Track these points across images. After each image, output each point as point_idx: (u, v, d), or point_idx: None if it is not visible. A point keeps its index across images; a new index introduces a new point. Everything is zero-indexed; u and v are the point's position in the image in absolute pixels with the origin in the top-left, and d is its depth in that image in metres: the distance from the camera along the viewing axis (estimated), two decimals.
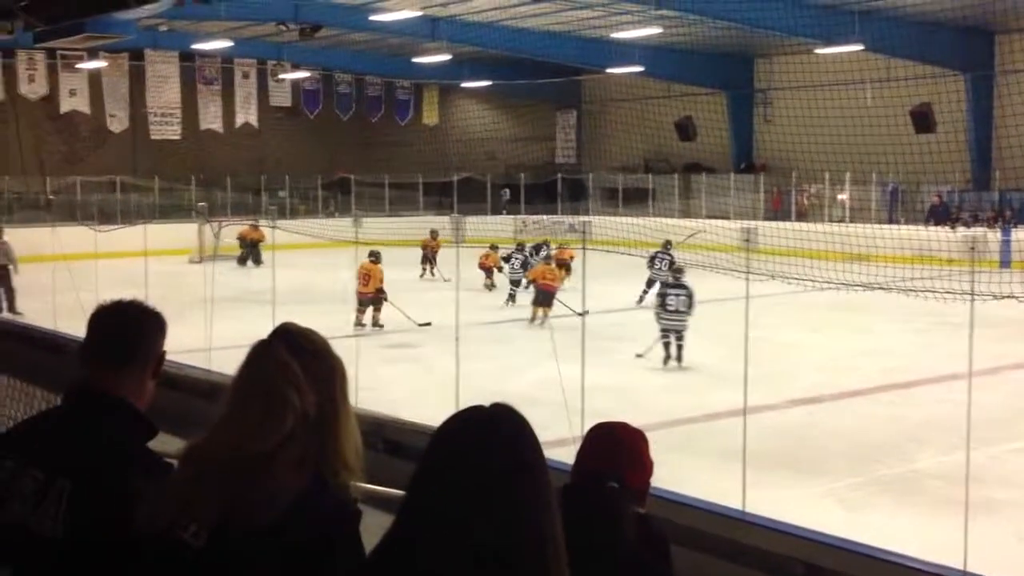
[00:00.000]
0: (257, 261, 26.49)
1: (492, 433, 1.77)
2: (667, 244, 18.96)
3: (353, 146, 39.97)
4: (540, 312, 17.08)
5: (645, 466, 2.74)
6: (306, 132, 39.13)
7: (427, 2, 27.57)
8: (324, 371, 2.09)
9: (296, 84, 37.14)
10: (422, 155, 39.97)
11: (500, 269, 21.66)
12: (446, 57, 33.50)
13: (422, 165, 38.55)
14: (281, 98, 36.90)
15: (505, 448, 1.76)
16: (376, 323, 16.55)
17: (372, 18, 28.14)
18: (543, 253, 21.55)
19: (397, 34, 31.80)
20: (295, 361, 2.04)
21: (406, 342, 15.48)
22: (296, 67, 35.36)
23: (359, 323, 16.17)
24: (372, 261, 16.38)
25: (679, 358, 13.73)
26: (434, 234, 24.89)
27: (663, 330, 13.85)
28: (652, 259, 19.09)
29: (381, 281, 16.33)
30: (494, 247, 22.24)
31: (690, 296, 14.01)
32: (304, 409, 2.00)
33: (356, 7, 28.36)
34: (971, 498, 5.98)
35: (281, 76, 35.39)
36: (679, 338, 13.80)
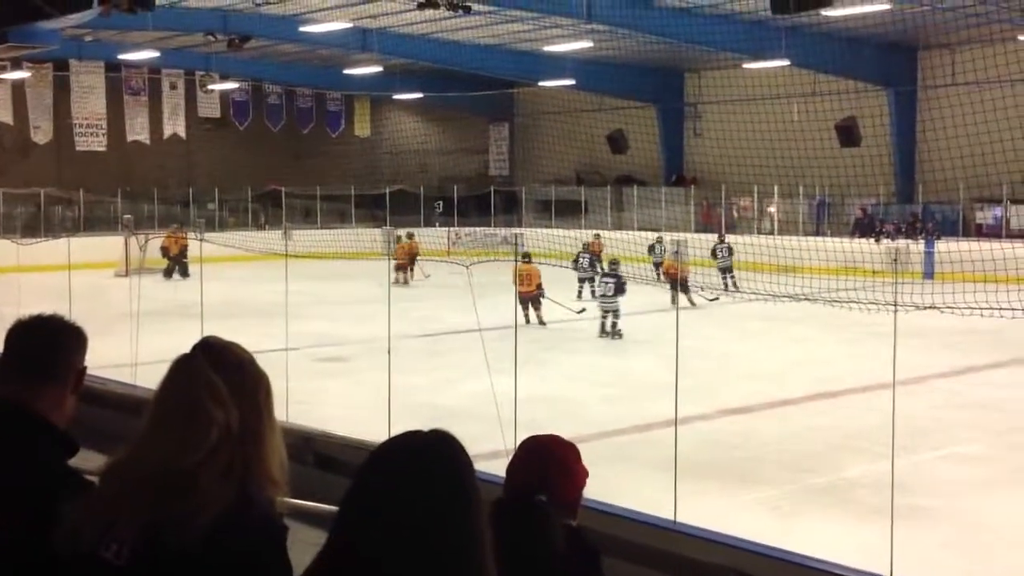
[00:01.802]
0: (184, 273, 26.08)
1: (429, 464, 1.73)
2: (586, 245, 19.27)
3: (284, 158, 39.60)
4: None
5: (575, 478, 2.73)
6: (236, 143, 38.68)
7: (357, 14, 27.47)
8: (248, 385, 2.04)
9: (225, 95, 36.73)
10: (354, 167, 39.76)
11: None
12: (377, 69, 33.40)
13: (354, 177, 38.33)
14: (210, 109, 36.47)
15: (442, 481, 1.72)
16: (540, 320, 17.51)
17: (302, 29, 27.94)
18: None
19: (327, 45, 31.64)
20: (218, 375, 1.99)
21: (339, 355, 15.35)
22: (225, 78, 34.98)
23: (527, 321, 16.93)
24: (527, 262, 17.22)
25: (616, 333, 16.55)
26: (410, 235, 26.30)
27: (601, 310, 16.80)
28: (575, 260, 19.35)
29: (540, 278, 17.31)
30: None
31: (619, 283, 16.58)
32: (227, 423, 1.96)
33: (285, 18, 28.14)
34: (897, 506, 6.07)
35: (210, 87, 34.98)
36: (616, 315, 16.54)
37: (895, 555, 5.53)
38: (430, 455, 1.74)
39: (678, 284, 17.62)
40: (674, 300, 17.68)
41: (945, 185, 29.60)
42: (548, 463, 2.72)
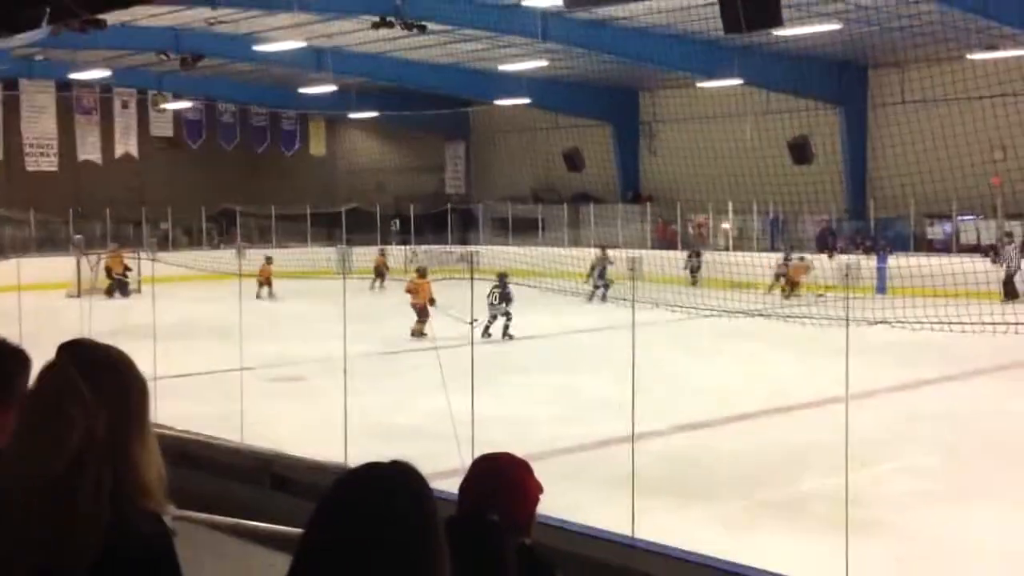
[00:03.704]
0: (124, 292, 25.85)
1: (389, 499, 1.69)
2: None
3: (238, 177, 39.35)
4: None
5: (527, 496, 2.72)
6: (189, 163, 38.38)
7: (312, 33, 27.40)
8: (118, 388, 1.96)
9: (178, 114, 36.46)
10: (309, 186, 39.59)
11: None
12: (332, 88, 33.32)
13: (310, 196, 38.15)
14: (162, 128, 36.18)
15: (402, 516, 1.67)
16: (418, 332, 18.39)
17: (255, 48, 27.83)
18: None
19: (282, 64, 31.51)
20: (84, 377, 1.91)
21: (295, 375, 15.23)
22: (178, 97, 34.70)
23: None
24: (421, 277, 18.80)
25: (506, 334, 18.38)
26: (383, 252, 28.74)
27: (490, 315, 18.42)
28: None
29: (429, 293, 18.39)
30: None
31: (503, 292, 18.18)
32: (90, 427, 1.88)
33: (239, 37, 28.02)
34: (852, 519, 6.12)
35: (162, 106, 34.68)
36: (506, 316, 18.32)
37: (849, 569, 5.57)
38: (390, 489, 1.70)
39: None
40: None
41: (896, 201, 30.05)
42: (500, 481, 2.71)
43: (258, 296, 25.19)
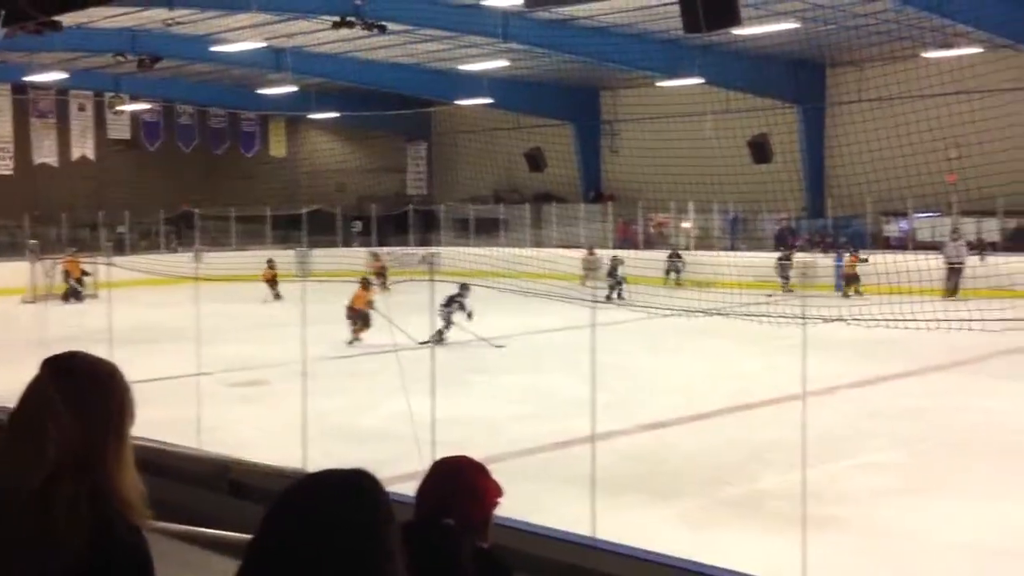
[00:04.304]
0: (79, 298, 25.58)
1: (343, 507, 1.67)
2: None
3: (197, 179, 39.00)
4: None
5: (484, 500, 2.71)
6: (147, 165, 37.99)
7: (271, 33, 27.22)
8: (96, 402, 1.96)
9: (135, 116, 36.11)
10: (270, 188, 39.32)
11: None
12: (292, 88, 33.13)
13: (270, 198, 37.88)
14: (120, 131, 35.81)
15: (357, 524, 1.66)
16: (353, 339, 18.16)
17: (213, 49, 27.60)
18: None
19: (241, 65, 31.31)
20: (62, 389, 1.92)
21: (255, 379, 15.12)
22: (135, 99, 34.39)
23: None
24: (364, 288, 18.49)
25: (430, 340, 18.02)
26: (376, 256, 28.13)
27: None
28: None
29: (362, 303, 18.23)
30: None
31: (460, 303, 17.93)
32: (67, 439, 1.88)
33: (197, 38, 27.79)
34: (810, 515, 6.16)
35: (119, 108, 34.34)
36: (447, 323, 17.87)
37: (808, 564, 5.60)
38: (343, 496, 1.69)
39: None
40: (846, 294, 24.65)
41: (853, 199, 30.34)
42: (456, 485, 2.70)
43: (266, 300, 25.05)
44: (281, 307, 23.61)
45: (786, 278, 26.84)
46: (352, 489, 1.71)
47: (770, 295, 23.08)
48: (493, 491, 2.81)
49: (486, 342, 17.12)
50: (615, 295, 25.82)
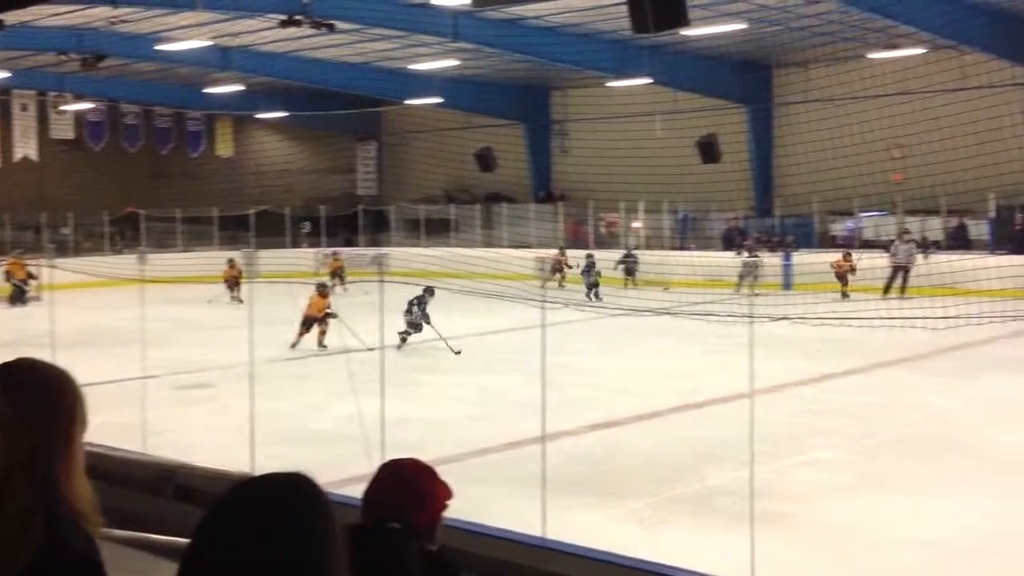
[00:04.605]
0: (23, 300, 25.13)
1: (279, 514, 1.62)
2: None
3: (143, 180, 38.50)
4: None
5: (431, 502, 2.69)
6: (91, 166, 37.43)
7: (217, 32, 26.94)
8: (48, 410, 1.93)
9: (79, 116, 35.54)
10: (217, 188, 38.90)
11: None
12: (240, 87, 32.80)
13: (217, 198, 37.47)
14: (63, 131, 35.24)
15: (294, 532, 1.61)
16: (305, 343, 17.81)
17: (158, 47, 27.26)
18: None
19: (187, 64, 30.93)
20: (9, 399, 1.88)
21: (202, 382, 14.94)
22: (79, 98, 33.83)
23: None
24: (321, 295, 18.02)
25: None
26: (336, 255, 27.60)
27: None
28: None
29: (315, 309, 17.92)
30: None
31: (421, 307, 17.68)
32: (17, 450, 1.84)
33: (141, 36, 27.43)
34: (759, 512, 6.20)
35: (63, 108, 33.78)
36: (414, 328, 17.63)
37: (757, 560, 5.64)
38: (280, 501, 1.64)
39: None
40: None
41: (801, 199, 30.69)
42: (403, 488, 2.67)
43: (224, 301, 24.76)
44: (228, 309, 23.38)
45: (755, 277, 26.93)
46: (289, 494, 1.67)
47: (742, 293, 23.29)
48: (442, 494, 2.78)
49: (446, 346, 17.00)
50: (592, 295, 25.77)
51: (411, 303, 17.59)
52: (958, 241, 27.80)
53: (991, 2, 24.00)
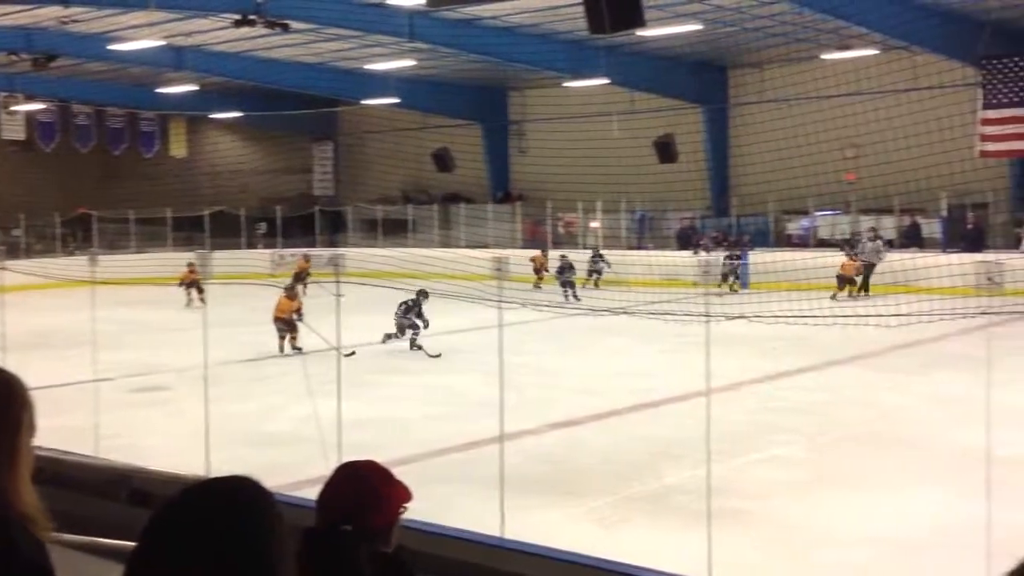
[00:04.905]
0: None
1: (225, 518, 1.61)
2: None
3: (95, 180, 38.03)
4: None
5: (386, 504, 2.66)
6: (43, 166, 36.90)
7: (170, 31, 26.66)
8: None
9: (31, 116, 35.02)
10: (171, 189, 38.47)
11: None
12: (193, 87, 32.48)
13: (171, 199, 37.05)
14: (14, 131, 34.69)
15: (241, 536, 1.59)
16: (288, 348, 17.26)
17: (110, 47, 26.93)
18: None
19: (139, 64, 30.59)
20: None
21: (158, 385, 14.78)
22: (30, 98, 33.31)
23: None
24: (289, 297, 17.44)
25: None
26: (307, 258, 27.24)
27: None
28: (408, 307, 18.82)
29: (285, 312, 17.32)
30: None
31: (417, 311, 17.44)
32: None
33: (93, 36, 27.09)
34: (716, 510, 6.24)
35: (13, 108, 33.26)
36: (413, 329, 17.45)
37: (715, 558, 5.67)
38: (225, 506, 1.63)
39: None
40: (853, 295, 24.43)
41: (757, 198, 30.95)
42: (357, 490, 2.65)
43: (188, 304, 24.35)
44: (184, 311, 23.16)
45: (736, 276, 26.89)
46: (235, 497, 1.65)
47: (720, 294, 23.36)
48: (398, 496, 2.76)
49: (423, 351, 16.81)
50: (570, 296, 25.56)
51: (406, 306, 17.36)
52: (911, 240, 28.15)
53: (942, 3, 24.33)
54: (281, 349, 17.20)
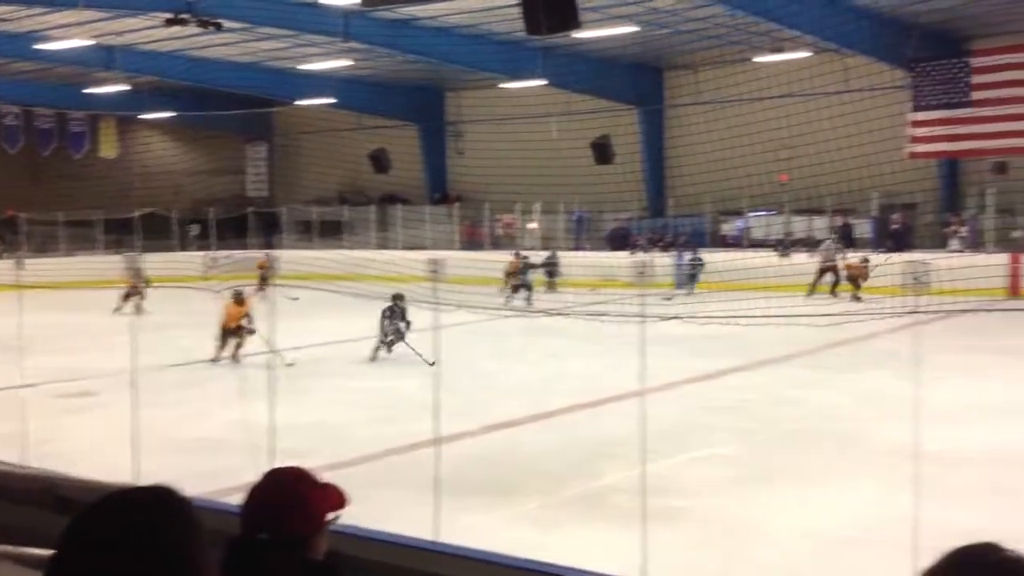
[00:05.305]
0: None
1: (141, 527, 1.59)
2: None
3: (23, 182, 37.12)
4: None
5: (311, 511, 2.60)
6: None
7: (99, 31, 26.18)
8: None
9: None
10: (101, 190, 37.73)
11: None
12: (124, 87, 31.93)
13: (101, 201, 36.34)
14: None
15: (156, 548, 1.57)
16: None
17: (37, 47, 26.37)
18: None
19: (68, 63, 29.98)
20: None
21: (86, 390, 14.46)
22: None
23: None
24: (238, 303, 16.57)
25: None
26: (268, 259, 26.61)
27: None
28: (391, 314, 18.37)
29: (232, 317, 16.47)
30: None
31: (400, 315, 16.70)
32: None
33: (20, 35, 26.50)
34: (653, 509, 6.24)
35: None
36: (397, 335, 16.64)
37: (651, 557, 5.67)
38: (145, 516, 1.60)
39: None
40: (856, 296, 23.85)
41: (693, 199, 31.23)
42: (279, 497, 2.59)
43: (136, 311, 23.29)
44: (112, 315, 22.70)
45: (693, 277, 26.60)
46: (153, 507, 1.64)
47: (669, 298, 23.31)
48: (328, 501, 2.70)
49: (422, 359, 16.21)
50: (525, 299, 25.01)
51: (390, 312, 16.65)
52: (843, 240, 28.60)
53: (872, 7, 24.75)
54: (216, 359, 16.37)
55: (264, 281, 26.27)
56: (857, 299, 23.95)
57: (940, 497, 7.49)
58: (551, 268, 28.84)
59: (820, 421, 11.76)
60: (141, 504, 1.63)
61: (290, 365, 15.32)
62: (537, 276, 27.30)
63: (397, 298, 16.76)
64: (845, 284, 25.22)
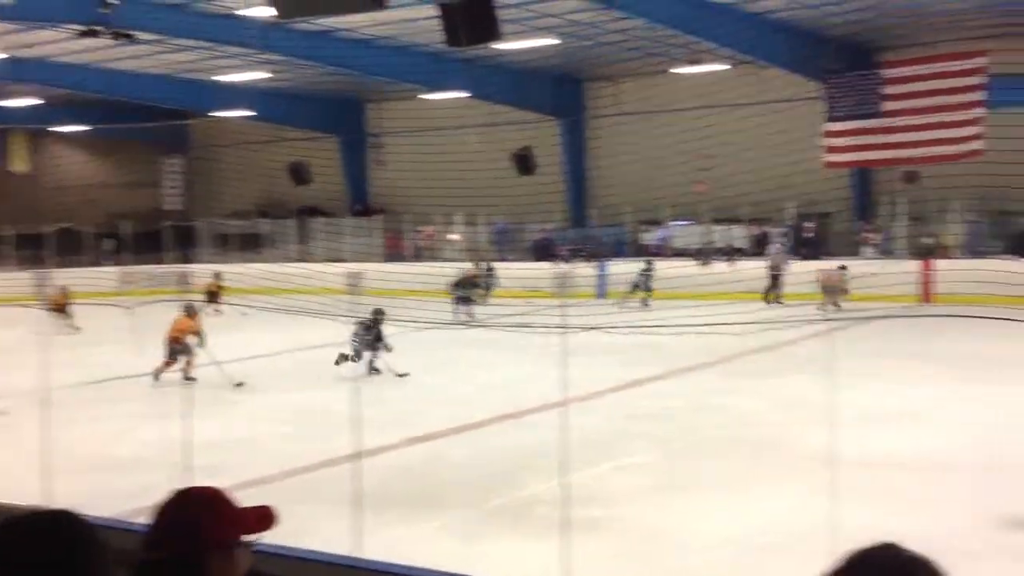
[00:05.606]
0: None
1: (44, 553, 1.57)
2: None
3: None
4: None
5: (218, 531, 2.52)
6: None
7: (10, 43, 25.53)
8: None
9: None
10: (12, 205, 36.68)
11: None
12: (36, 100, 31.18)
13: (13, 216, 35.32)
14: None
15: (60, 571, 1.56)
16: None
17: None
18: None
19: None
20: None
21: None
22: None
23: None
24: (189, 316, 15.92)
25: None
26: (219, 276, 26.86)
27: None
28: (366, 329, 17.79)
29: (181, 329, 15.75)
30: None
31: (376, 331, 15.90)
32: None
33: None
34: (575, 519, 6.25)
35: None
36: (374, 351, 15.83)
37: (573, 566, 5.66)
38: (43, 540, 1.58)
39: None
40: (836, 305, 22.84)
41: (613, 209, 31.48)
42: (184, 517, 2.50)
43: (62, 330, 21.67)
44: (26, 333, 22.08)
45: (648, 288, 25.84)
46: (52, 531, 1.60)
47: (620, 304, 23.42)
48: (240, 523, 2.62)
49: (397, 375, 15.82)
50: (464, 313, 23.65)
51: (365, 326, 15.85)
52: (761, 249, 29.03)
53: (788, 20, 25.22)
54: (157, 376, 15.43)
55: (214, 296, 26.04)
56: (836, 306, 23.01)
57: (859, 501, 7.61)
58: (488, 279, 28.63)
59: (740, 427, 11.89)
60: (38, 527, 1.60)
61: (239, 385, 14.96)
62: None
63: (377, 313, 16.15)
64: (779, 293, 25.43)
